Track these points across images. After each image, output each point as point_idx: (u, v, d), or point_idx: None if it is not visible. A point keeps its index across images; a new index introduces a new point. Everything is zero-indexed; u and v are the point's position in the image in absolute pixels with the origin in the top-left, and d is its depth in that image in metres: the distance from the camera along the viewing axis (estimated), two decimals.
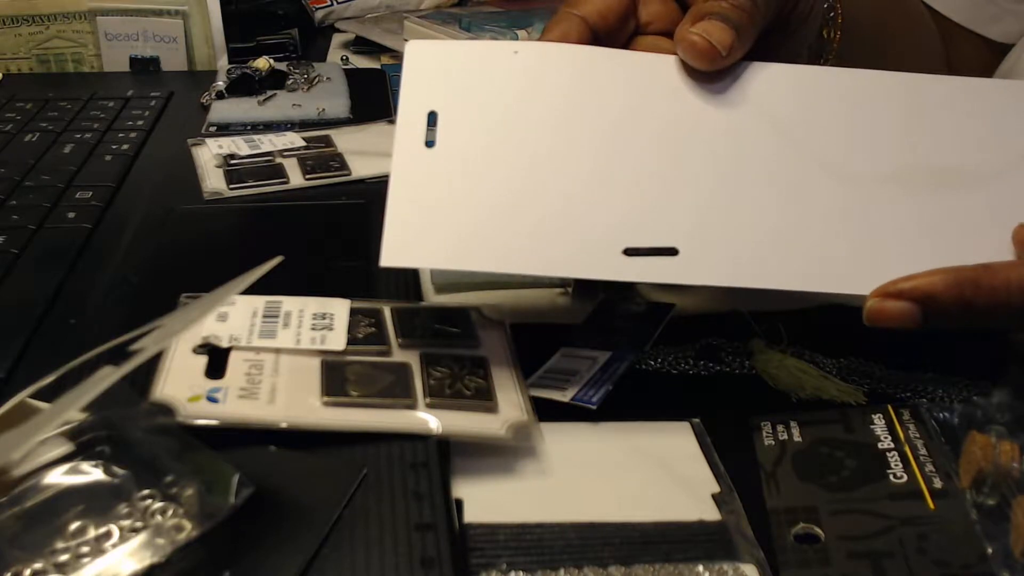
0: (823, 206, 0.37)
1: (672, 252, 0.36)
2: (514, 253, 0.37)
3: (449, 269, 0.38)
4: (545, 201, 0.37)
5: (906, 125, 0.39)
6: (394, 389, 0.36)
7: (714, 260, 0.36)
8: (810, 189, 0.38)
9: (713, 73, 0.40)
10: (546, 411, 0.37)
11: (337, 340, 0.38)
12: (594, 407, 0.37)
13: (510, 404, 0.36)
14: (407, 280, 0.46)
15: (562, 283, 0.48)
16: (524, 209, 0.37)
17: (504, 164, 0.38)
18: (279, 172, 0.57)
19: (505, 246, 0.37)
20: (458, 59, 0.39)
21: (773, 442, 0.36)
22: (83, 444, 0.31)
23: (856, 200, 0.37)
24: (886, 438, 0.35)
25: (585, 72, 0.39)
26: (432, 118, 0.38)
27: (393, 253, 0.36)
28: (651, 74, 0.40)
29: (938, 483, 0.33)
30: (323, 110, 0.69)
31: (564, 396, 0.38)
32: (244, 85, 0.72)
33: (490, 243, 0.37)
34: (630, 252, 0.36)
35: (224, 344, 0.37)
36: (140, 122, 0.67)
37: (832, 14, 0.53)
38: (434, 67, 0.39)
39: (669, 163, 0.38)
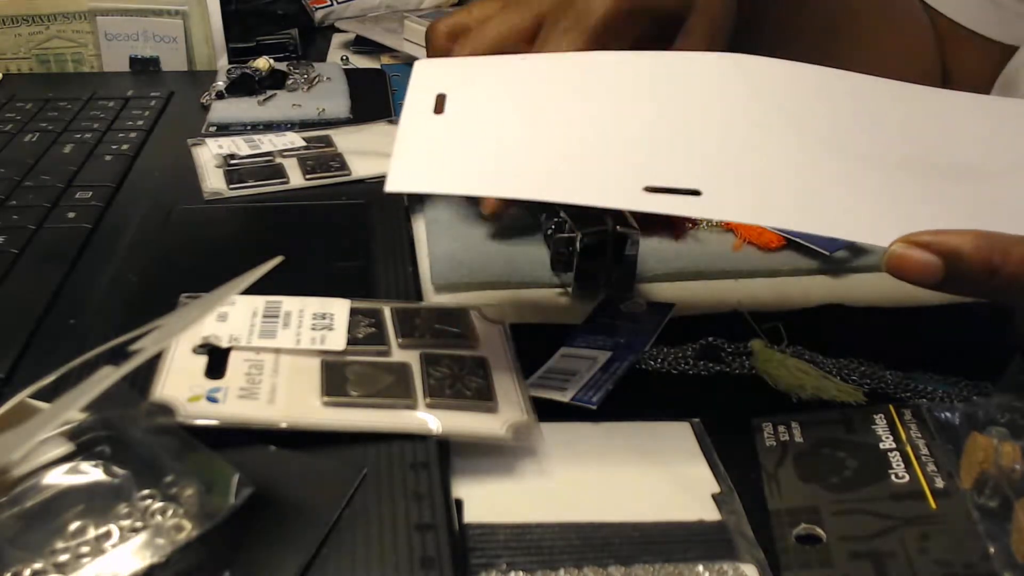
0: (835, 170, 0.37)
1: (695, 193, 0.35)
2: (528, 180, 0.35)
3: (458, 194, 0.37)
4: (558, 144, 0.37)
5: (911, 125, 0.39)
6: (394, 389, 0.36)
7: (735, 201, 0.35)
8: (823, 160, 0.37)
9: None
10: (546, 411, 0.37)
11: (337, 340, 0.38)
12: (594, 407, 0.37)
13: (510, 404, 0.36)
14: (407, 280, 0.46)
15: (562, 283, 0.48)
16: (537, 147, 0.36)
17: (515, 117, 0.38)
18: (279, 172, 0.57)
19: (518, 173, 0.35)
20: (463, 65, 0.40)
21: (774, 443, 0.36)
22: (83, 444, 0.31)
23: (864, 171, 0.37)
24: (888, 438, 0.35)
25: (594, 60, 0.40)
26: (440, 100, 0.38)
27: (399, 178, 0.34)
28: (661, 63, 0.41)
29: (940, 483, 0.33)
30: (323, 110, 0.69)
31: (564, 396, 0.38)
32: (244, 85, 0.72)
33: (502, 170, 0.35)
34: (651, 190, 0.35)
35: (224, 344, 0.37)
36: (140, 122, 0.67)
37: None
38: (441, 71, 0.40)
39: (685, 126, 0.38)
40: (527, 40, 0.48)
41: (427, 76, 0.39)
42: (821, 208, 0.35)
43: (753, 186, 0.36)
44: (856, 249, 0.50)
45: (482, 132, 0.37)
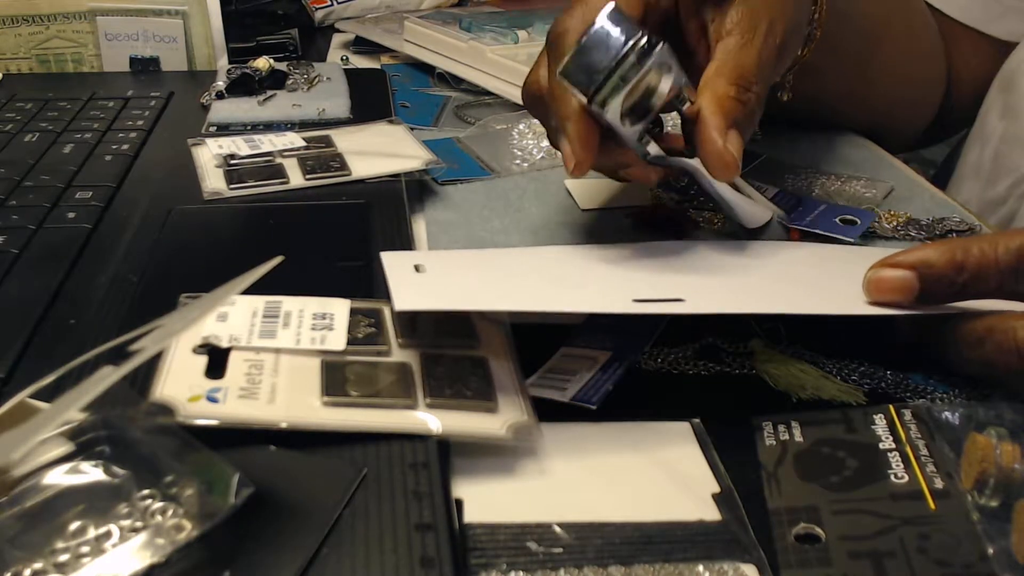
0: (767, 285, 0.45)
1: (679, 300, 0.40)
2: (530, 295, 0.41)
3: (468, 308, 0.41)
4: (543, 285, 0.43)
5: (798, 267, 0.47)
6: (394, 389, 0.36)
7: (714, 302, 0.41)
8: (755, 283, 0.45)
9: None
10: (546, 411, 0.37)
11: (337, 340, 0.38)
12: (594, 407, 0.37)
13: (510, 404, 0.36)
14: None
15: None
16: (524, 284, 0.42)
17: (497, 268, 0.43)
18: (279, 172, 0.57)
19: (517, 292, 0.41)
20: (427, 253, 0.47)
21: (774, 442, 0.36)
22: (83, 444, 0.31)
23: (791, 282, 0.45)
24: (887, 438, 0.35)
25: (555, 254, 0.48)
26: (418, 268, 0.42)
27: (405, 302, 0.37)
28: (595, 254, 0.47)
29: (939, 483, 0.33)
30: (323, 110, 0.69)
31: (564, 396, 0.38)
32: (244, 85, 0.72)
33: (501, 292, 0.41)
34: (640, 301, 0.39)
35: (224, 344, 0.37)
36: (140, 122, 0.67)
37: (810, 30, 0.54)
38: (408, 256, 0.44)
39: (648, 274, 0.45)
40: None
41: (397, 258, 0.42)
42: (777, 298, 0.42)
43: (724, 295, 0.43)
44: (860, 244, 0.51)
45: (470, 278, 0.42)
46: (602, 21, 0.41)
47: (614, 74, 0.41)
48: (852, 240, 0.51)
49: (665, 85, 0.42)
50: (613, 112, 0.42)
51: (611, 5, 0.42)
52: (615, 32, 0.41)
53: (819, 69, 0.59)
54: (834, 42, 0.58)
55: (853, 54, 0.63)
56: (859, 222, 0.52)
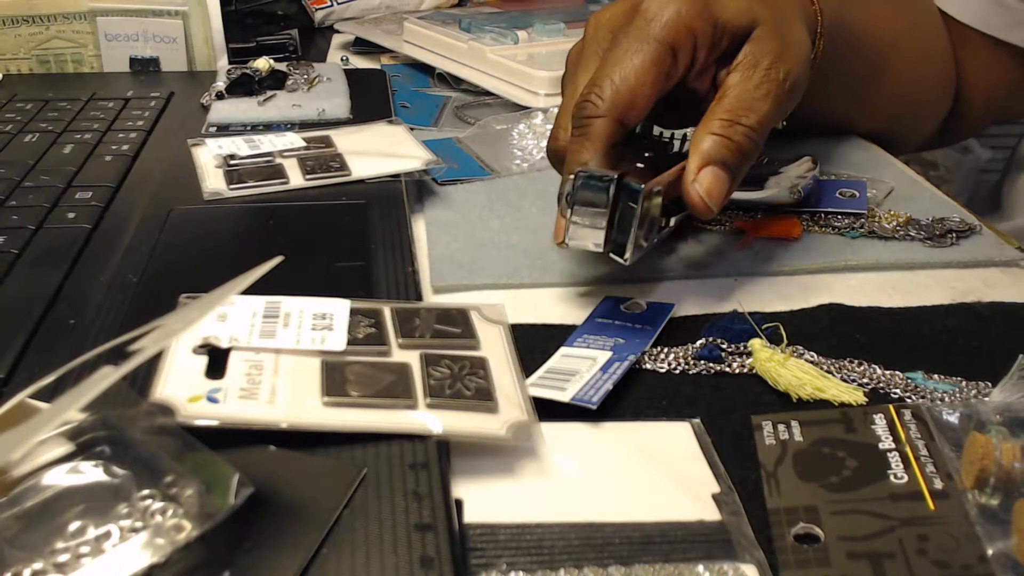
0: None
1: None
2: None
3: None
4: None
5: None
6: (394, 389, 0.36)
7: None
8: None
9: None
10: (546, 411, 0.37)
11: (337, 340, 0.38)
12: (594, 407, 0.37)
13: (510, 404, 0.36)
14: (407, 280, 0.46)
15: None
16: None
17: None
18: (279, 172, 0.57)
19: None
20: None
21: (774, 441, 0.36)
22: (83, 444, 0.31)
23: None
24: (887, 438, 0.35)
25: None
26: None
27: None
28: None
29: (939, 484, 0.33)
30: (323, 110, 0.69)
31: (564, 396, 0.38)
32: (244, 85, 0.72)
33: None
34: None
35: (224, 344, 0.37)
36: (140, 122, 0.67)
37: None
38: None
39: None
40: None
41: None
42: None
43: None
44: (860, 244, 0.50)
45: None
46: (578, 191, 0.42)
47: (619, 236, 0.42)
48: (862, 212, 0.54)
49: (659, 198, 0.43)
50: (631, 252, 0.43)
51: (579, 172, 0.42)
52: (597, 197, 0.42)
53: (823, 95, 0.59)
54: (840, 73, 0.59)
55: (859, 79, 0.64)
56: (858, 195, 0.56)
